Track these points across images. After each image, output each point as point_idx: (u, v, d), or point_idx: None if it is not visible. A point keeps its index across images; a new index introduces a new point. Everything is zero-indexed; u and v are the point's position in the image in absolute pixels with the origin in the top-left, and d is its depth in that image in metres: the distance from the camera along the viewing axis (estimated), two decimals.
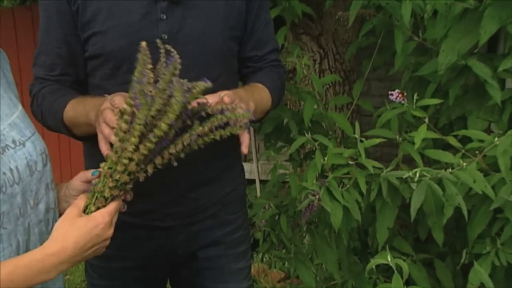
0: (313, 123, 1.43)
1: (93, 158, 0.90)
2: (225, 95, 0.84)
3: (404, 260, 1.04)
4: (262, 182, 2.62)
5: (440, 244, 1.14)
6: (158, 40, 0.80)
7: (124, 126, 0.71)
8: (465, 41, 1.12)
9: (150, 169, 0.74)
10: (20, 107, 0.75)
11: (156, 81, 0.73)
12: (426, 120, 1.14)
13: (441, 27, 1.16)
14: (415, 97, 1.17)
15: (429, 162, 1.22)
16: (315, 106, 1.40)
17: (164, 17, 0.93)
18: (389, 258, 0.97)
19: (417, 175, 1.06)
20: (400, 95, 1.16)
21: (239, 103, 0.85)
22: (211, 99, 0.83)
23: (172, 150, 0.74)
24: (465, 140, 1.14)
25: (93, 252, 0.69)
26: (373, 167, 1.13)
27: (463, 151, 1.11)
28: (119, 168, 0.71)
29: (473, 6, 1.10)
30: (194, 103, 0.77)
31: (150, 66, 0.74)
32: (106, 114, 0.78)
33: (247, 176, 1.22)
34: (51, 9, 0.95)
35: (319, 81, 1.37)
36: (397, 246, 1.31)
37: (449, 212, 1.06)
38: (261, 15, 1.07)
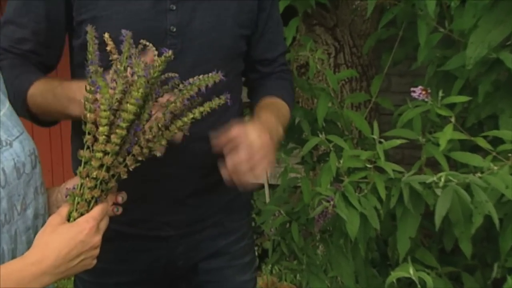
0: (327, 123, 1.42)
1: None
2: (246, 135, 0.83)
3: (428, 273, 1.03)
4: (272, 186, 2.62)
5: (468, 256, 1.12)
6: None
7: (90, 116, 0.70)
8: (497, 32, 1.10)
9: (129, 162, 0.72)
10: (7, 103, 0.74)
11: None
12: (453, 119, 1.13)
13: (469, 16, 1.15)
14: (440, 94, 1.16)
15: (455, 166, 1.21)
16: (330, 104, 1.39)
17: (174, 7, 0.93)
18: (411, 271, 0.96)
19: (442, 180, 1.04)
20: (424, 92, 1.15)
21: (262, 160, 0.82)
22: (234, 132, 0.85)
23: (148, 135, 0.73)
24: (496, 141, 1.13)
25: (80, 263, 0.68)
26: (393, 170, 1.12)
27: (493, 153, 1.10)
28: (94, 163, 0.69)
29: None
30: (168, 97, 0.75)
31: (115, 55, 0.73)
32: None
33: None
34: None
35: (334, 76, 1.37)
36: (420, 258, 1.29)
37: (478, 221, 1.04)
38: (273, 15, 1.08)
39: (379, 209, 1.13)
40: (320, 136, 1.21)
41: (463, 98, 1.17)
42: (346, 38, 1.98)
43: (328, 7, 1.91)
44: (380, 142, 1.15)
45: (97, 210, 0.71)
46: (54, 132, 3.15)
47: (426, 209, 1.13)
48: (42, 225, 0.73)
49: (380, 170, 1.16)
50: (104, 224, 0.73)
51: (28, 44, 0.95)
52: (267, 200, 2.56)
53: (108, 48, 0.73)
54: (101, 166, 0.70)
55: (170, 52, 0.74)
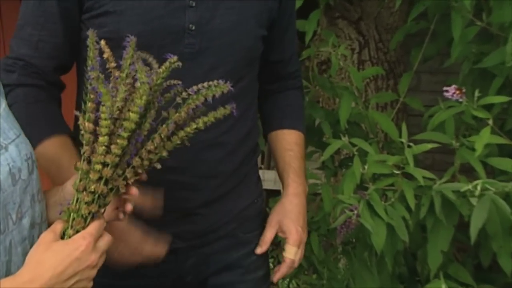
0: (350, 125, 1.41)
1: None
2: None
3: None
4: None
5: (508, 273, 1.11)
6: None
7: (88, 125, 0.70)
8: None
9: (129, 174, 0.72)
10: (3, 104, 0.73)
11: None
12: (490, 121, 1.12)
13: (510, 9, 1.13)
14: (477, 93, 1.14)
15: (493, 173, 1.19)
16: (353, 104, 1.38)
17: (194, 4, 0.92)
18: None
19: (479, 188, 1.03)
20: (458, 92, 1.13)
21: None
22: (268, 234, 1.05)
23: (150, 146, 0.72)
24: None
25: (75, 284, 0.66)
26: (424, 177, 1.11)
27: None
28: (93, 176, 0.69)
29: None
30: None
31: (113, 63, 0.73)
32: None
33: (271, 186, 1.21)
34: None
35: (358, 74, 1.36)
36: (453, 274, 1.28)
37: None
38: (293, 14, 1.10)
39: (408, 219, 1.12)
40: (343, 139, 1.20)
41: (502, 99, 1.15)
42: (372, 32, 1.97)
43: None
44: (409, 146, 1.14)
45: (93, 226, 0.70)
46: None
47: (460, 220, 1.12)
48: (39, 235, 0.73)
49: (409, 176, 1.14)
50: (104, 244, 0.71)
51: (47, 47, 0.95)
52: None
53: (105, 55, 0.73)
54: (100, 179, 0.70)
55: (175, 58, 0.73)
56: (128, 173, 0.72)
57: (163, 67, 0.72)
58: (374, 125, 1.39)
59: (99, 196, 0.71)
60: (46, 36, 0.93)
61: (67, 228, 0.70)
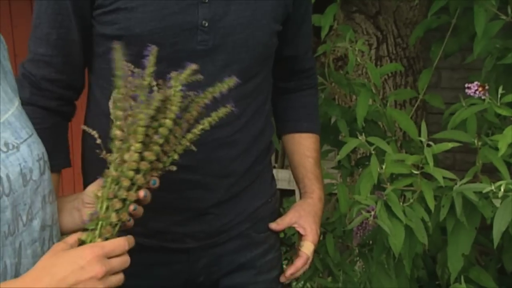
0: (367, 123, 1.40)
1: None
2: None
3: None
4: None
5: None
6: None
7: (119, 133, 0.71)
8: None
9: (148, 176, 0.73)
10: (16, 102, 0.74)
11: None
12: None
13: None
14: (500, 91, 1.12)
15: None
16: (371, 102, 1.37)
17: (207, 0, 0.92)
18: None
19: (502, 189, 1.01)
20: (480, 89, 1.11)
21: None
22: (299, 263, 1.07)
23: (166, 148, 0.74)
24: None
25: None
26: (444, 178, 1.09)
27: None
28: (125, 183, 0.70)
29: None
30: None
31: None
32: None
33: (285, 185, 1.21)
34: None
35: (376, 70, 1.35)
36: (475, 278, 1.27)
37: None
38: (308, 8, 1.09)
39: (427, 221, 1.11)
40: (360, 137, 1.19)
41: None
42: (390, 27, 1.95)
43: None
44: (429, 145, 1.12)
45: (112, 242, 0.69)
46: None
47: (483, 222, 1.11)
48: (50, 238, 0.74)
49: (428, 177, 1.13)
50: (117, 262, 0.69)
51: (64, 45, 0.96)
52: None
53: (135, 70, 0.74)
54: (132, 185, 0.71)
55: (194, 65, 0.74)
56: (147, 175, 0.73)
57: (183, 74, 0.74)
58: (392, 123, 1.38)
59: (129, 204, 0.72)
60: (63, 34, 0.95)
61: (93, 237, 0.70)
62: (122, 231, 0.74)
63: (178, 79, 0.73)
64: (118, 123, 0.71)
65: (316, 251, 1.36)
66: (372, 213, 1.08)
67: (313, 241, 1.08)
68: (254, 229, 1.09)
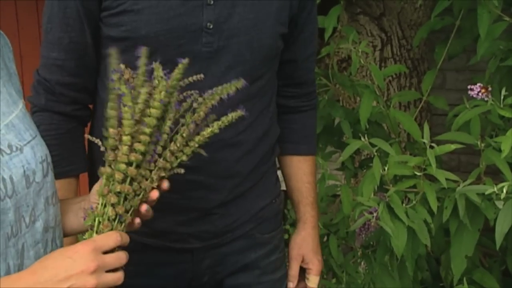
0: (371, 124, 1.41)
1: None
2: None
3: None
4: None
5: None
6: None
7: (112, 131, 0.72)
8: None
9: (155, 176, 0.74)
10: (21, 104, 0.74)
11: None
12: None
13: None
14: (503, 92, 1.12)
15: None
16: (374, 103, 1.37)
17: (212, 2, 0.93)
18: None
19: (504, 190, 1.02)
20: (483, 90, 1.12)
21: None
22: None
23: (173, 147, 0.74)
24: None
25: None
26: (447, 179, 1.09)
27: None
28: (118, 176, 0.71)
29: None
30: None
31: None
32: None
33: None
34: None
35: (380, 72, 1.35)
36: (479, 280, 1.27)
37: None
38: (312, 12, 1.09)
39: (430, 222, 1.11)
40: (363, 139, 1.20)
41: None
42: (395, 29, 1.95)
43: None
44: (432, 147, 1.13)
45: (104, 236, 0.69)
46: None
47: (486, 224, 1.10)
48: (53, 240, 0.74)
49: (432, 178, 1.13)
50: (111, 258, 0.68)
51: (77, 48, 0.97)
52: None
53: (125, 76, 0.75)
54: (125, 179, 0.72)
55: (186, 60, 0.75)
56: (154, 175, 0.74)
57: (176, 69, 0.75)
58: (396, 125, 1.38)
59: (125, 198, 0.72)
60: (75, 37, 0.96)
61: (91, 234, 0.71)
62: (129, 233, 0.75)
63: (159, 68, 0.74)
64: (111, 121, 0.73)
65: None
66: (375, 214, 1.08)
67: (318, 273, 1.14)
68: (258, 230, 1.10)
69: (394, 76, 1.96)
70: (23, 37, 3.06)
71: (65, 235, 0.81)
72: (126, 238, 0.72)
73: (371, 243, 1.33)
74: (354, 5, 1.94)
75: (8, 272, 0.67)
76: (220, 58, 0.95)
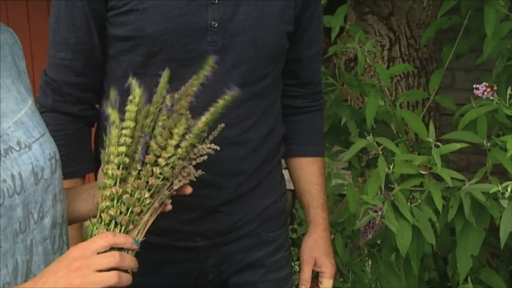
0: (378, 124, 1.41)
1: None
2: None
3: None
4: None
5: None
6: None
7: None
8: None
9: (152, 181, 0.73)
10: (30, 102, 0.75)
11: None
12: None
13: None
14: (509, 91, 1.12)
15: None
16: (382, 103, 1.37)
17: (216, 1, 0.94)
18: None
19: (509, 189, 1.01)
20: (489, 89, 1.11)
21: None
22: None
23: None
24: None
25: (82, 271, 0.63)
26: (452, 178, 1.09)
27: None
28: (110, 182, 0.71)
29: None
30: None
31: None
32: None
33: None
34: None
35: (386, 71, 1.35)
36: (485, 280, 1.26)
37: None
38: (317, 11, 1.08)
39: (435, 221, 1.11)
40: (368, 138, 1.20)
41: None
42: (403, 28, 1.94)
43: None
44: (437, 146, 1.13)
45: (96, 237, 0.67)
46: None
47: (494, 223, 1.09)
48: (60, 236, 0.76)
49: (438, 178, 1.13)
50: (123, 238, 0.68)
51: (83, 48, 0.98)
52: None
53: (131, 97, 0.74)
54: (115, 184, 0.71)
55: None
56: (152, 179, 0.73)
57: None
58: (403, 124, 1.38)
59: (117, 200, 0.72)
60: (82, 37, 0.97)
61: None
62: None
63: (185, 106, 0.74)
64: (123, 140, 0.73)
65: None
66: (379, 213, 1.09)
67: (331, 275, 1.13)
68: (263, 228, 1.10)
69: (402, 75, 1.96)
70: (34, 37, 3.07)
71: (73, 221, 0.82)
72: (124, 238, 0.69)
73: (377, 241, 1.34)
74: (362, 5, 1.93)
75: (15, 268, 0.68)
76: (225, 56, 0.96)
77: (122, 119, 0.73)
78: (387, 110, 1.37)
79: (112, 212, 0.71)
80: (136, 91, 0.73)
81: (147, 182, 0.72)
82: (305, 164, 1.15)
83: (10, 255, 0.67)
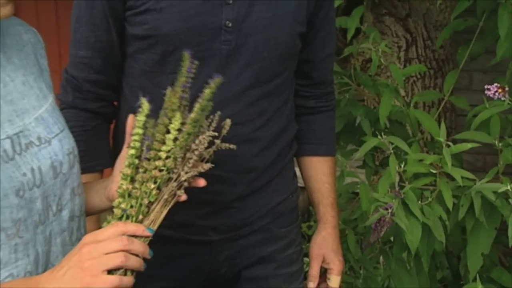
0: (392, 123, 1.41)
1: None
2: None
3: None
4: None
5: None
6: None
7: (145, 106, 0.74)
8: None
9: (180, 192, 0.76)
10: (50, 99, 0.77)
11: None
12: None
13: None
14: None
15: None
16: (396, 102, 1.38)
17: (231, 1, 0.96)
18: None
19: None
20: (500, 90, 1.11)
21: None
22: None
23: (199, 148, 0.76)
24: None
25: (96, 258, 0.65)
26: (463, 178, 1.09)
27: None
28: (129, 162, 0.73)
29: None
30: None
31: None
32: None
33: None
34: None
35: (399, 71, 1.35)
36: (497, 279, 1.25)
37: None
38: (330, 13, 1.09)
39: (445, 220, 1.11)
40: (380, 137, 1.21)
41: None
42: (420, 30, 1.93)
43: None
44: (448, 146, 1.13)
45: (108, 226, 0.70)
46: None
47: (506, 223, 1.08)
48: (78, 228, 0.78)
49: (450, 177, 1.13)
50: (133, 228, 0.69)
51: (103, 47, 1.00)
52: None
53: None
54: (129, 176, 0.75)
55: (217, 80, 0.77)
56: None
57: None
58: (416, 124, 1.39)
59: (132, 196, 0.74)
60: (101, 36, 0.99)
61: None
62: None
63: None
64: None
65: None
66: (390, 210, 1.09)
67: (339, 272, 1.13)
68: (275, 224, 1.11)
69: (418, 76, 1.95)
70: (62, 37, 3.10)
71: (90, 213, 0.85)
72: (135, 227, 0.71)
73: (390, 239, 1.34)
74: (379, 6, 1.93)
75: (36, 258, 0.71)
76: (238, 55, 0.97)
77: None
78: (401, 110, 1.37)
79: (123, 205, 0.74)
80: (145, 105, 0.76)
81: (153, 176, 0.75)
82: (316, 163, 1.16)
83: (32, 245, 0.70)
